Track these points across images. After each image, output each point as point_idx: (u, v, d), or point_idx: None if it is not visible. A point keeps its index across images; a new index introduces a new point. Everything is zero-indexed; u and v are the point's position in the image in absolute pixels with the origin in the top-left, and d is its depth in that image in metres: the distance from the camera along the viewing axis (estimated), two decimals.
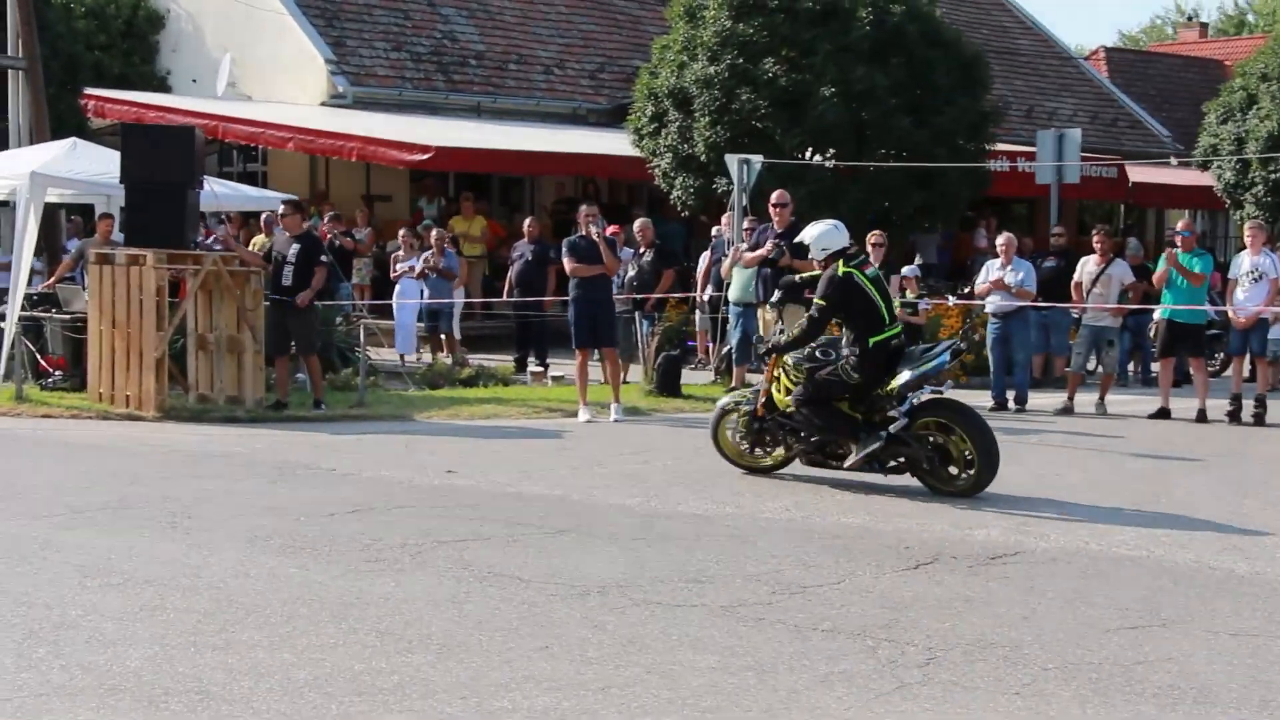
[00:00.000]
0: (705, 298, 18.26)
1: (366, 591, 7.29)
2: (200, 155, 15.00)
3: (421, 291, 18.94)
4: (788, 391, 10.69)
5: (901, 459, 10.44)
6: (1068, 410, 15.60)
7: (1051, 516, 9.68)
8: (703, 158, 19.69)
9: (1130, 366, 19.01)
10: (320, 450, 12.03)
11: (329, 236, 19.64)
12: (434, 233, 19.67)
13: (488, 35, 26.76)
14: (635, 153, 21.20)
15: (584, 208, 15.18)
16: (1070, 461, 12.44)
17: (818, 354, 10.60)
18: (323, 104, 24.40)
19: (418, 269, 18.97)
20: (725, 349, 17.03)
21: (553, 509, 9.63)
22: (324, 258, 14.55)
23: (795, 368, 10.65)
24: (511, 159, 22.55)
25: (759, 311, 14.97)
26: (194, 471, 11.05)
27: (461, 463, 11.43)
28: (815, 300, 10.57)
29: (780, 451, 11.00)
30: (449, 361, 17.84)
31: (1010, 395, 15.91)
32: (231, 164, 25.88)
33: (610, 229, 16.65)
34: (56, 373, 15.49)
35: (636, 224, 17.96)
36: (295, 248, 14.43)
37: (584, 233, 14.47)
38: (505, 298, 18.78)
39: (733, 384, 16.41)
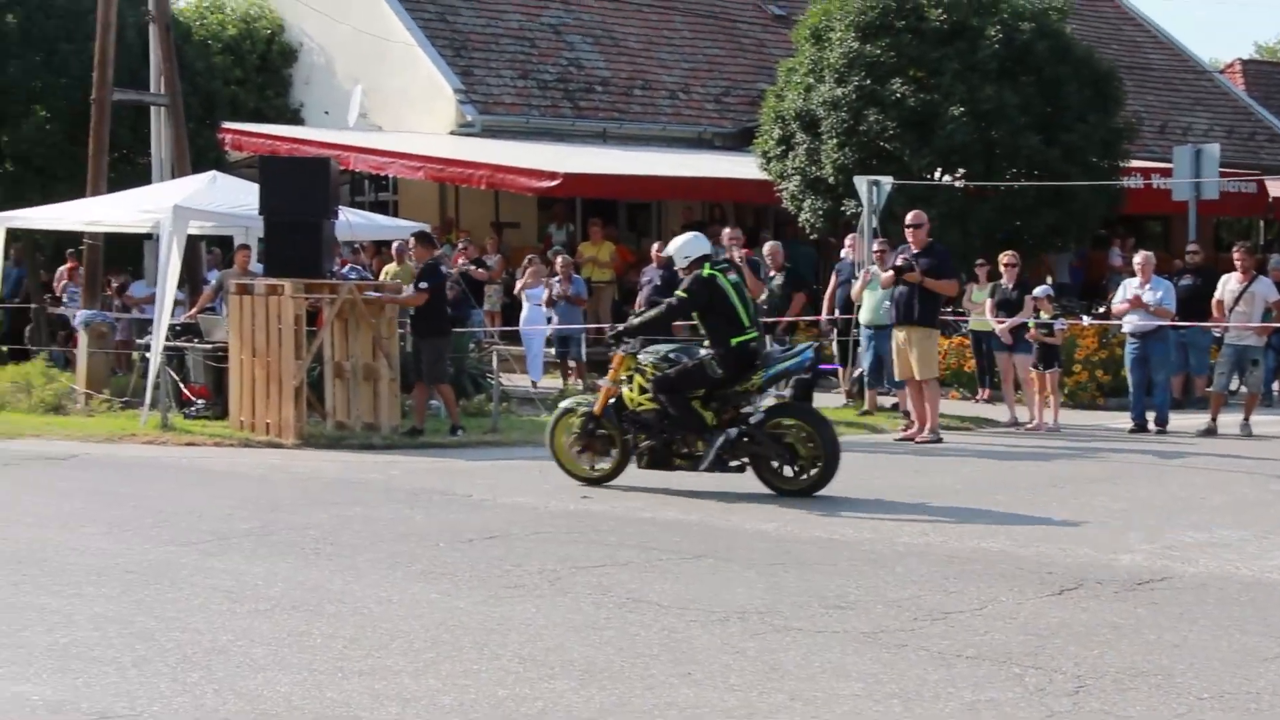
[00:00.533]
0: (833, 320, 18.15)
1: (508, 617, 7.34)
2: (335, 186, 15.30)
3: (549, 318, 19.08)
4: (641, 391, 11.11)
5: (745, 459, 10.98)
6: (1211, 431, 15.25)
7: (1198, 541, 9.45)
8: (831, 180, 19.61)
9: (1275, 386, 18.53)
10: (456, 476, 12.14)
11: (460, 263, 19.89)
12: (559, 259, 19.82)
13: (613, 61, 26.94)
14: (762, 176, 21.19)
15: (726, 231, 15.24)
16: (1214, 484, 12.15)
17: (671, 356, 11.17)
18: (451, 133, 24.72)
19: (544, 298, 19.08)
20: (857, 372, 16.91)
21: (688, 534, 9.63)
22: (422, 284, 14.58)
23: (653, 366, 11.11)
24: (639, 184, 22.65)
25: (893, 333, 14.86)
26: (333, 498, 11.22)
27: (596, 488, 11.47)
28: (677, 293, 11.29)
29: (613, 459, 11.35)
30: (580, 387, 17.94)
31: (1150, 417, 15.60)
32: (363, 193, 26.30)
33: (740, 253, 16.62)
34: (199, 401, 15.84)
35: (766, 247, 17.91)
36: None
37: (727, 256, 14.53)
38: None
39: (865, 407, 16.31)
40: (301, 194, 14.69)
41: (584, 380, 18.51)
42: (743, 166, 22.48)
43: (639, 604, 7.59)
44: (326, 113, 26.72)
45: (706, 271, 11.12)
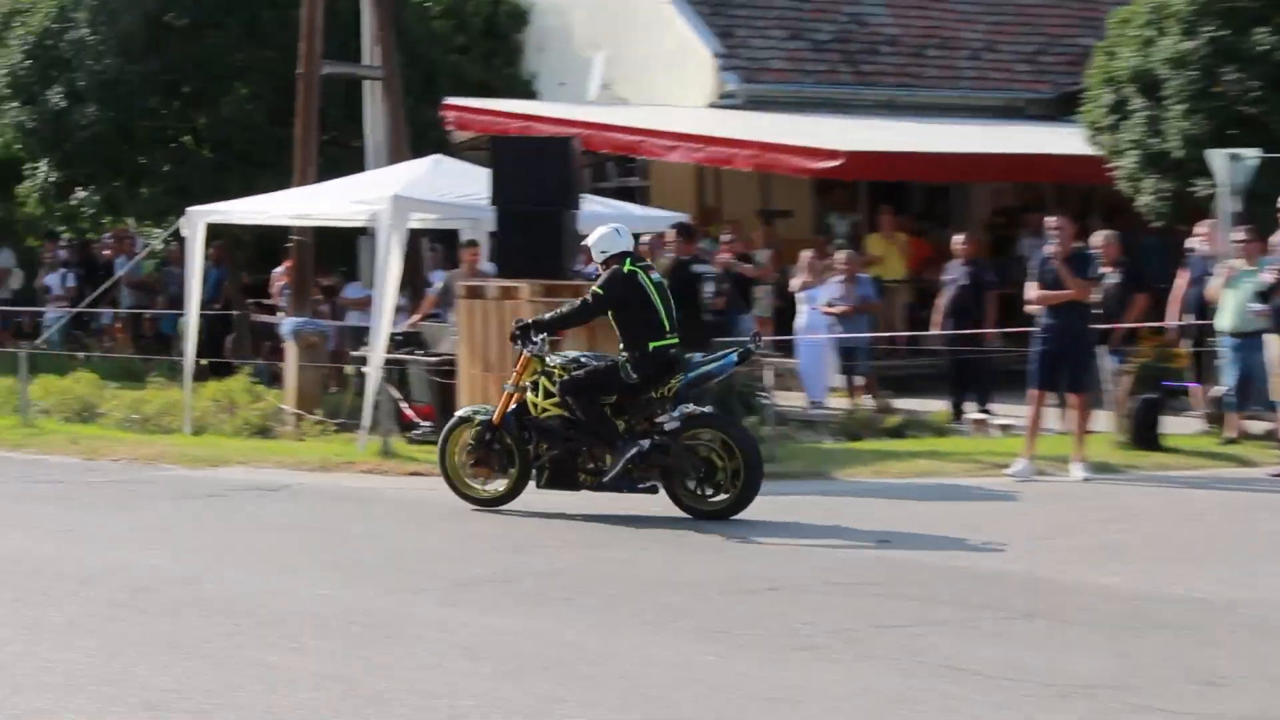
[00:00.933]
0: (1180, 326, 17.61)
1: (799, 685, 7.31)
2: (577, 169, 15.46)
3: (831, 324, 18.94)
4: (547, 395, 11.99)
5: (654, 483, 11.75)
6: None
7: None
8: (1177, 154, 19.07)
9: None
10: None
11: (723, 259, 19.90)
12: (842, 254, 19.70)
13: (902, 17, 26.67)
14: (1090, 150, 20.70)
15: (1051, 220, 14.97)
16: None
17: (582, 360, 12.17)
18: (710, 105, 24.79)
19: (822, 301, 18.97)
20: (1218, 391, 16.36)
21: (1014, 588, 9.49)
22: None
23: (562, 368, 12.04)
24: (936, 163, 22.33)
25: (1267, 342, 14.34)
26: (584, 539, 11.37)
27: (897, 530, 11.44)
28: (592, 289, 12.30)
29: (510, 478, 12.17)
30: (873, 408, 17.80)
31: None
32: (606, 178, 26.58)
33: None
34: (424, 423, 16.17)
35: (1098, 238, 17.46)
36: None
37: (1048, 251, 14.34)
38: (935, 330, 18.59)
39: (1229, 434, 15.80)
40: (538, 180, 14.89)
41: (875, 398, 18.33)
42: (1064, 139, 21.98)
43: (959, 673, 7.49)
44: (562, 84, 27.08)
45: (627, 268, 12.03)
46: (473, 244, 17.95)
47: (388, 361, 16.01)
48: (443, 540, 11.36)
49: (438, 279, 18.86)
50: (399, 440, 15.72)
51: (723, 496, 11.76)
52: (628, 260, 12.17)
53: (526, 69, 28.35)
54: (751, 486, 11.72)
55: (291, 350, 17.75)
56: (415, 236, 18.75)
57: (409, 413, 16.36)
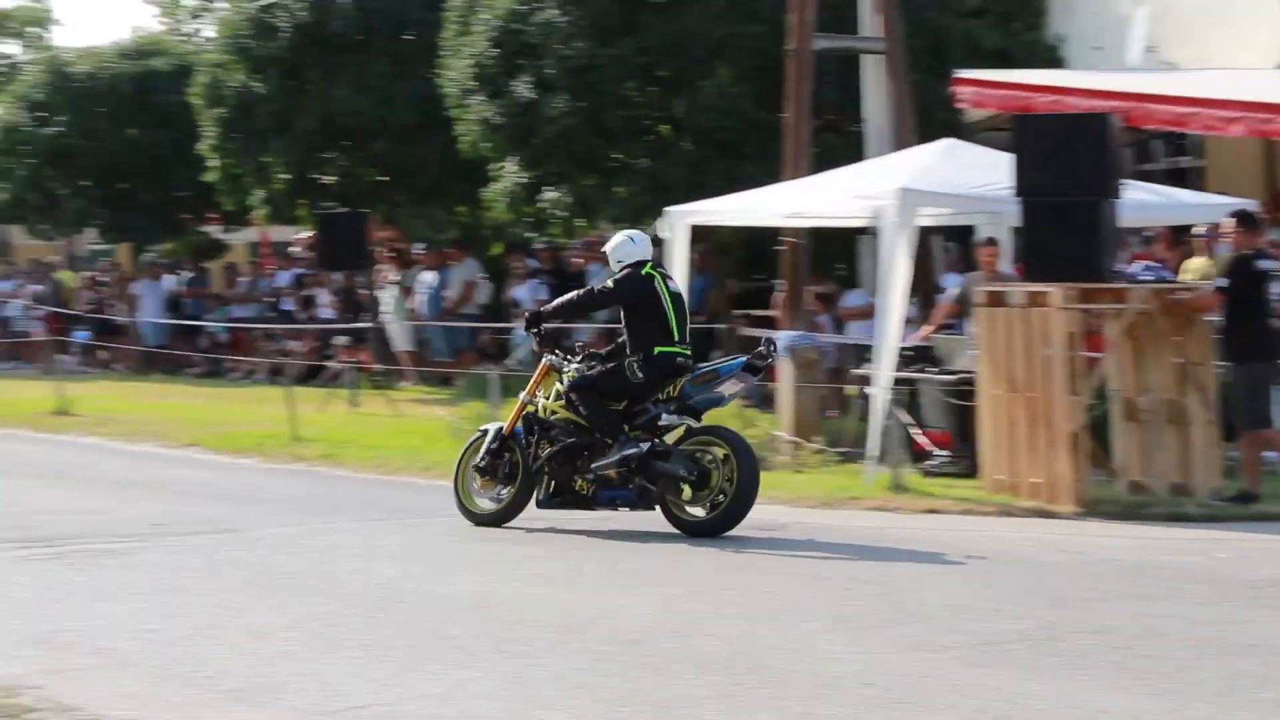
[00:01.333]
0: None
1: None
2: (1118, 151, 15.23)
3: None
4: (557, 396, 13.86)
5: (651, 497, 13.31)
6: None
7: None
8: None
9: None
10: None
11: None
12: None
13: None
14: None
15: None
16: None
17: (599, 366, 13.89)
18: None
19: None
20: None
21: None
22: (1220, 282, 14.46)
23: (575, 372, 13.78)
24: None
25: None
26: (1135, 590, 11.25)
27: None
28: (605, 282, 14.17)
29: (510, 490, 13.87)
30: None
31: None
32: (1152, 159, 26.07)
33: None
34: (939, 453, 16.24)
35: None
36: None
37: None
38: None
39: None
40: (1071, 164, 14.77)
41: None
42: None
43: None
44: (1098, 49, 26.66)
45: (646, 270, 13.73)
46: (992, 242, 17.90)
47: (896, 381, 16.12)
48: (969, 589, 11.35)
49: (952, 284, 18.85)
50: (911, 472, 15.82)
51: (711, 512, 13.27)
52: (647, 265, 13.83)
53: (1053, 33, 28.02)
54: (742, 502, 13.16)
55: (786, 369, 18.02)
56: (925, 235, 18.79)
57: (922, 440, 16.44)
